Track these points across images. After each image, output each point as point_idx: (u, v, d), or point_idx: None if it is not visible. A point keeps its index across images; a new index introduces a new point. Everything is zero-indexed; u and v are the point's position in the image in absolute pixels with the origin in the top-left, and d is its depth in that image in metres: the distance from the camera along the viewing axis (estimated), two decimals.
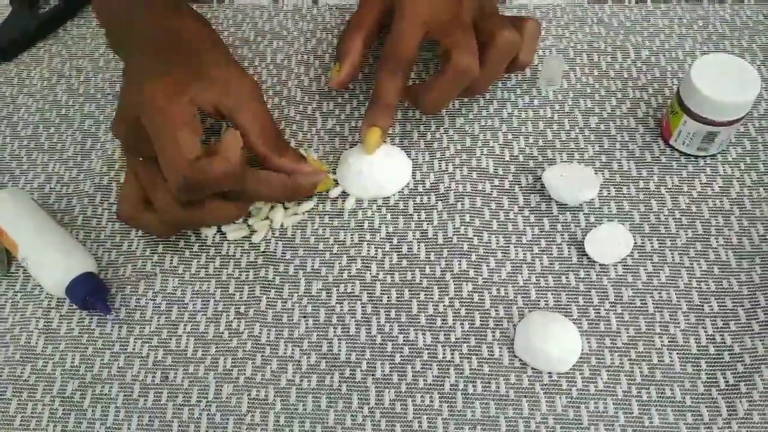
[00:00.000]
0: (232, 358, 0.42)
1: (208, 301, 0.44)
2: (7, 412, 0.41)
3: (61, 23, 0.59)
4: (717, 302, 0.43)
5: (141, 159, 0.43)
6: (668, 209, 0.47)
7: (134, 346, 0.43)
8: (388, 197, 0.48)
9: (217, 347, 0.43)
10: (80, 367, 0.42)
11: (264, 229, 0.47)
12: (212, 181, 0.40)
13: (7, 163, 0.51)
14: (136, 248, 0.47)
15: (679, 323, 0.42)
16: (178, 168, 0.39)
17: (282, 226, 0.47)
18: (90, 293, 0.43)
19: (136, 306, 0.44)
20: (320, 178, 0.45)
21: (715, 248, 0.45)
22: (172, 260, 0.46)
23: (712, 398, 0.40)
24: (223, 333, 0.43)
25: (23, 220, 0.45)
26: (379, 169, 0.47)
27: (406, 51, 0.45)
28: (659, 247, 0.45)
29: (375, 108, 0.46)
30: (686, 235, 0.46)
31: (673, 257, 0.45)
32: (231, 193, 0.43)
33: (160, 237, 0.47)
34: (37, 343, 0.43)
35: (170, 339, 0.43)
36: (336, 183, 0.48)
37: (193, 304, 0.44)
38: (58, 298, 0.45)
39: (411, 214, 0.47)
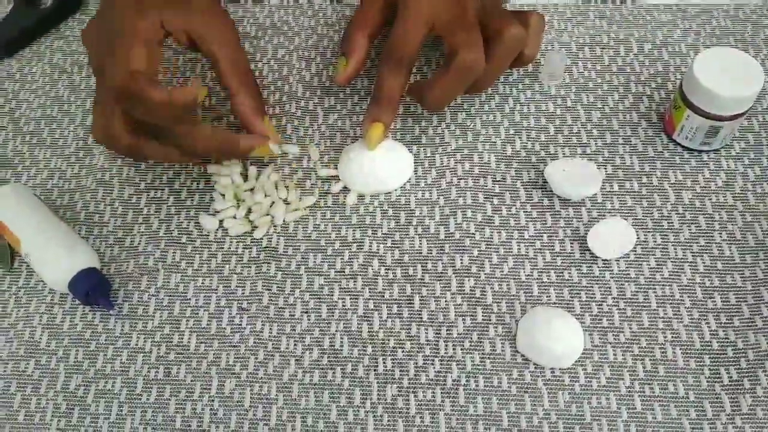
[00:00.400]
0: (235, 354, 0.42)
1: (211, 296, 0.44)
2: (12, 407, 0.41)
3: (62, 18, 0.59)
4: (720, 298, 0.43)
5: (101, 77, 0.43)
6: (671, 204, 0.47)
7: (137, 341, 0.43)
8: (390, 192, 0.48)
9: (219, 343, 0.43)
10: (83, 362, 0.43)
11: (265, 224, 0.47)
12: (143, 99, 0.39)
13: (9, 159, 0.52)
14: (139, 244, 0.47)
15: (682, 319, 0.42)
16: (117, 73, 0.39)
17: (284, 221, 0.47)
18: (92, 289, 0.43)
19: (138, 302, 0.44)
20: (257, 142, 0.45)
21: (719, 243, 0.45)
22: (174, 256, 0.46)
23: (716, 394, 0.40)
24: (225, 328, 0.43)
25: (26, 216, 0.45)
26: (381, 165, 0.47)
27: (409, 48, 0.45)
28: (662, 242, 0.45)
29: (377, 104, 0.46)
30: (689, 230, 0.45)
31: (676, 252, 0.45)
32: (169, 138, 0.42)
33: (136, 161, 0.47)
34: (40, 338, 0.44)
35: (173, 334, 0.43)
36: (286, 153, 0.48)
37: (196, 300, 0.44)
38: (61, 294, 0.45)
39: (413, 210, 0.47)
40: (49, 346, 0.43)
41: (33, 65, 0.57)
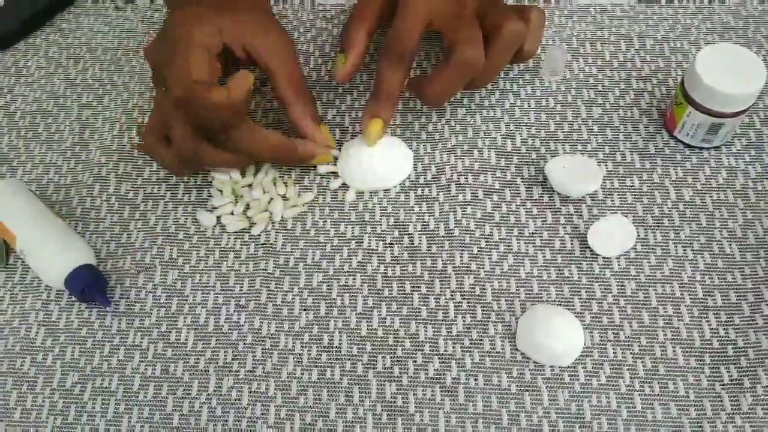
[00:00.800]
0: (233, 351, 0.42)
1: (208, 293, 0.44)
2: (7, 405, 0.41)
3: (58, 11, 0.59)
4: (721, 296, 0.43)
5: (164, 89, 0.43)
6: (672, 201, 0.46)
7: (134, 338, 0.43)
8: (389, 189, 0.48)
9: (217, 340, 0.42)
10: (80, 359, 0.42)
11: (264, 221, 0.46)
12: (205, 106, 0.40)
13: (4, 154, 0.51)
14: (135, 240, 0.46)
15: (682, 317, 0.42)
16: (178, 82, 0.40)
17: (282, 218, 0.47)
18: (88, 285, 0.42)
19: (135, 298, 0.44)
20: (321, 151, 0.47)
21: (719, 241, 0.45)
22: (171, 252, 0.46)
23: (716, 393, 0.39)
24: (223, 326, 0.43)
25: (21, 212, 0.45)
26: (380, 161, 0.47)
27: (408, 42, 0.45)
28: (663, 239, 0.45)
29: (376, 99, 0.46)
30: (690, 227, 0.45)
31: (676, 250, 0.44)
32: (227, 143, 0.43)
33: (174, 174, 0.48)
34: (36, 335, 0.43)
35: (170, 332, 0.43)
36: (334, 163, 0.48)
37: (193, 297, 0.44)
38: (57, 290, 0.45)
39: (412, 206, 0.47)
40: (45, 343, 0.43)
41: (28, 58, 0.56)
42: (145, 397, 0.41)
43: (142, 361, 0.42)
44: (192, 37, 0.42)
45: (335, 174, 0.48)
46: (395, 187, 0.48)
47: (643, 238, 0.45)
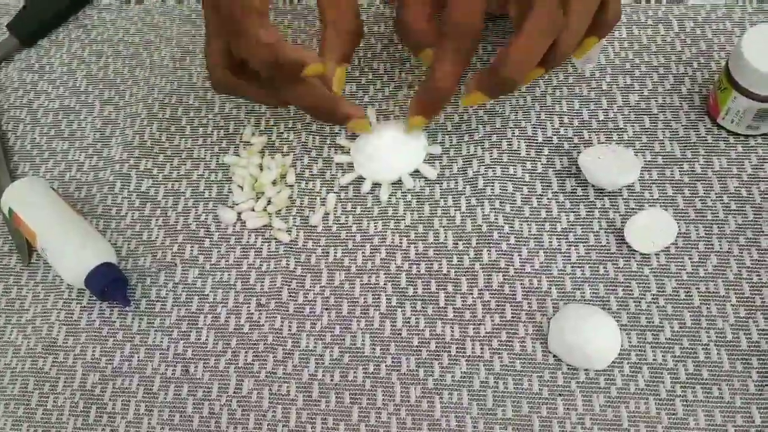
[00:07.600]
0: (253, 352, 0.41)
1: (229, 292, 0.43)
2: (29, 405, 0.41)
3: (81, 7, 0.58)
4: None
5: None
6: (715, 193, 0.44)
7: (154, 338, 0.42)
8: (414, 181, 0.46)
9: (237, 340, 0.41)
10: (101, 359, 0.42)
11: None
12: (249, 36, 0.37)
13: (27, 151, 0.51)
14: (156, 238, 0.46)
15: (727, 317, 0.39)
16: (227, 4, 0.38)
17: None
18: (108, 284, 0.42)
19: (156, 297, 0.43)
20: (355, 113, 0.42)
21: None
22: (192, 250, 0.45)
23: (764, 399, 0.37)
24: (243, 325, 0.42)
25: (42, 210, 0.44)
26: (391, 150, 0.45)
27: (468, 18, 0.38)
28: (705, 234, 0.42)
29: (427, 95, 0.41)
30: (735, 221, 0.42)
31: (720, 245, 0.42)
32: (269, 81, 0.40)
33: (266, 105, 0.46)
34: (58, 335, 0.43)
35: (190, 331, 0.42)
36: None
37: (214, 296, 0.43)
38: (78, 289, 0.44)
39: (437, 201, 0.45)
40: (66, 343, 0.43)
41: (51, 55, 0.56)
42: (165, 398, 0.40)
43: (162, 362, 0.41)
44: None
45: (351, 166, 0.47)
46: (419, 180, 0.46)
47: (684, 233, 0.42)
